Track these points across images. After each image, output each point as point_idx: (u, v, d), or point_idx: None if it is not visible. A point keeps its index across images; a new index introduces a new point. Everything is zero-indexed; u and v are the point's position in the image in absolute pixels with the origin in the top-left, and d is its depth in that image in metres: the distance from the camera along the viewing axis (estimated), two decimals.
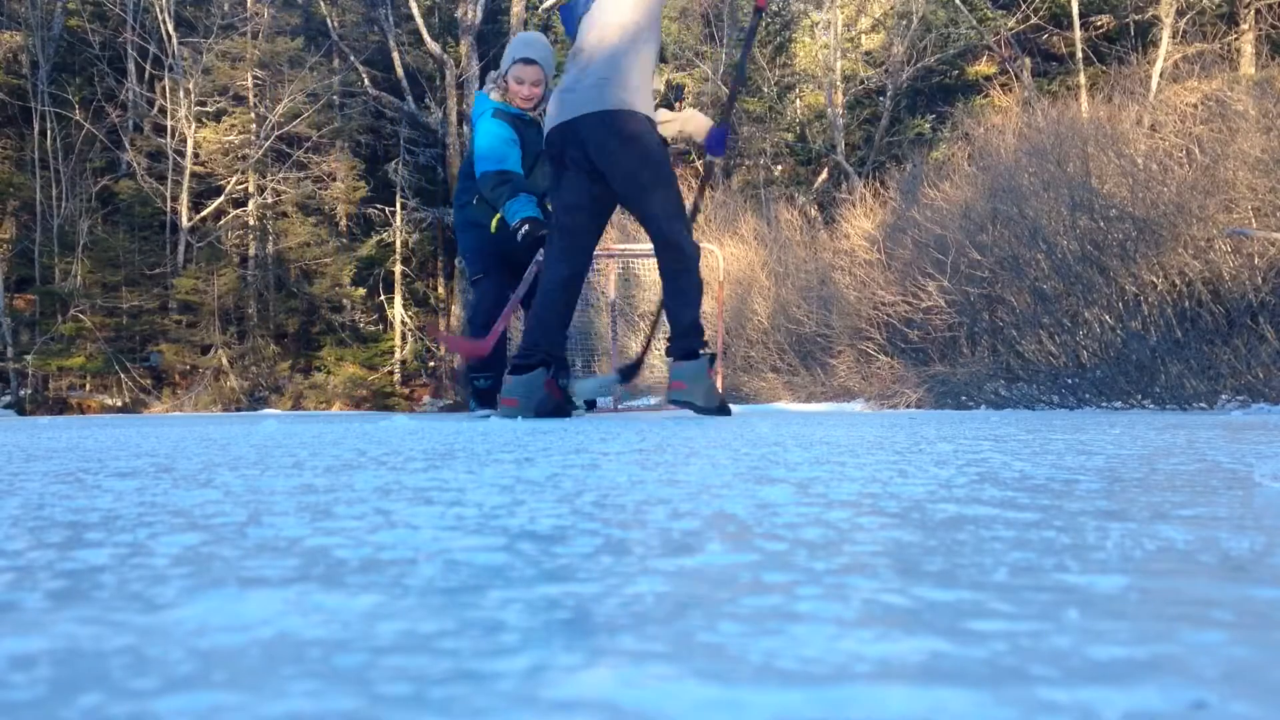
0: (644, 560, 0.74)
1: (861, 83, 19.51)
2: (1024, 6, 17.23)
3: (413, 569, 0.70)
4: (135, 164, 21.55)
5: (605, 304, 11.07)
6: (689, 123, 4.41)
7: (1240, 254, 6.81)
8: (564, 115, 4.07)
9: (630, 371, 5.36)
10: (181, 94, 21.79)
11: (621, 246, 11.75)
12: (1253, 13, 15.81)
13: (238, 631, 0.52)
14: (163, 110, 22.05)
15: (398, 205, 24.04)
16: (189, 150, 21.87)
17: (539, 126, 5.04)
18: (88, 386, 21.34)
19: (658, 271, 4.29)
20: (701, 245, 4.87)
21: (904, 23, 18.59)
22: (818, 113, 20.48)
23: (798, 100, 21.21)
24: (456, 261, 23.75)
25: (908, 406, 8.38)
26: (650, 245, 4.32)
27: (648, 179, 4.09)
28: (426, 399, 23.49)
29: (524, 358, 4.35)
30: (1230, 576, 0.67)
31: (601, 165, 4.08)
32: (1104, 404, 6.57)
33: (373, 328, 24.39)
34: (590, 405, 9.41)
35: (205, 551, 0.80)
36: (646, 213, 4.14)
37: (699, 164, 18.33)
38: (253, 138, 22.53)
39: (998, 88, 17.64)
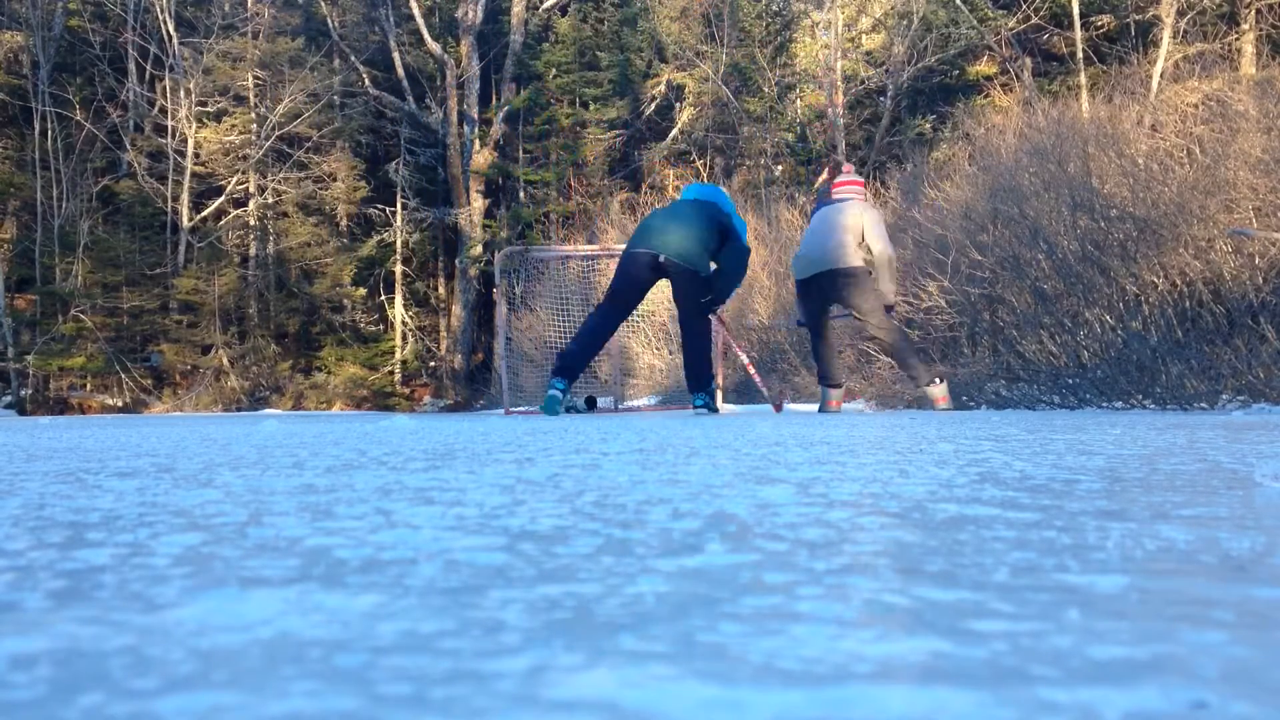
0: (644, 560, 0.74)
1: (862, 83, 19.50)
2: (1024, 6, 17.20)
3: (413, 569, 0.70)
4: (136, 164, 21.55)
5: None
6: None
7: (1241, 254, 6.80)
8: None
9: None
10: (182, 94, 21.80)
11: (622, 247, 11.75)
12: (1253, 13, 15.79)
13: (238, 631, 0.52)
14: (163, 110, 22.06)
15: (398, 205, 24.05)
16: (189, 150, 21.88)
17: None
18: (88, 386, 21.35)
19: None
20: None
21: (904, 23, 18.57)
22: (818, 113, 20.48)
23: (798, 100, 21.20)
24: (458, 261, 23.77)
25: (908, 406, 8.38)
26: None
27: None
28: (427, 399, 23.50)
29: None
30: (1231, 576, 0.67)
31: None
32: (1105, 404, 6.57)
33: (373, 328, 24.39)
34: (591, 405, 9.40)
35: (206, 551, 0.80)
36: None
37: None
38: (253, 138, 22.53)
39: (998, 88, 17.63)
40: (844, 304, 6.47)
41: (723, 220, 6.39)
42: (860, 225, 6.48)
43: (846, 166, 7.11)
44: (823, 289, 6.49)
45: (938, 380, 6.29)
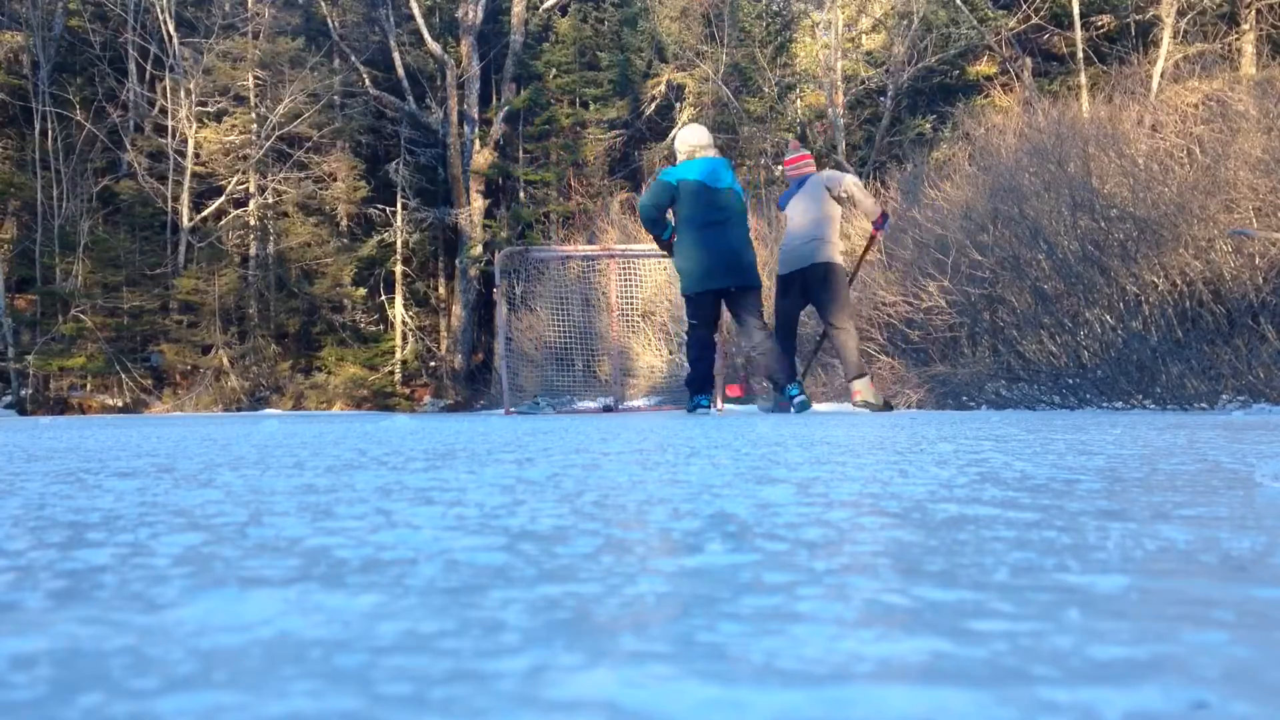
0: (645, 560, 0.74)
1: (862, 83, 19.49)
2: (1025, 6, 17.19)
3: (413, 569, 0.70)
4: (136, 164, 21.54)
5: (606, 304, 11.07)
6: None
7: (1241, 254, 6.80)
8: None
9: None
10: (182, 94, 21.79)
11: (623, 247, 11.76)
12: (1253, 13, 15.78)
13: (238, 631, 0.52)
14: (163, 110, 22.05)
15: (398, 205, 24.04)
16: (190, 150, 21.87)
17: None
18: (88, 386, 21.34)
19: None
20: None
21: (904, 23, 18.56)
22: (818, 113, 20.49)
23: (798, 100, 21.19)
24: (458, 261, 23.77)
25: (909, 407, 8.38)
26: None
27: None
28: (427, 399, 23.48)
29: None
30: (1231, 576, 0.67)
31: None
32: (1105, 404, 6.57)
33: (373, 328, 24.38)
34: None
35: (206, 551, 0.80)
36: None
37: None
38: (253, 138, 22.52)
39: (998, 88, 17.62)
40: (819, 301, 6.75)
41: (743, 208, 6.78)
42: (832, 189, 6.82)
43: (793, 143, 7.40)
44: (805, 284, 6.76)
45: (865, 374, 6.81)
